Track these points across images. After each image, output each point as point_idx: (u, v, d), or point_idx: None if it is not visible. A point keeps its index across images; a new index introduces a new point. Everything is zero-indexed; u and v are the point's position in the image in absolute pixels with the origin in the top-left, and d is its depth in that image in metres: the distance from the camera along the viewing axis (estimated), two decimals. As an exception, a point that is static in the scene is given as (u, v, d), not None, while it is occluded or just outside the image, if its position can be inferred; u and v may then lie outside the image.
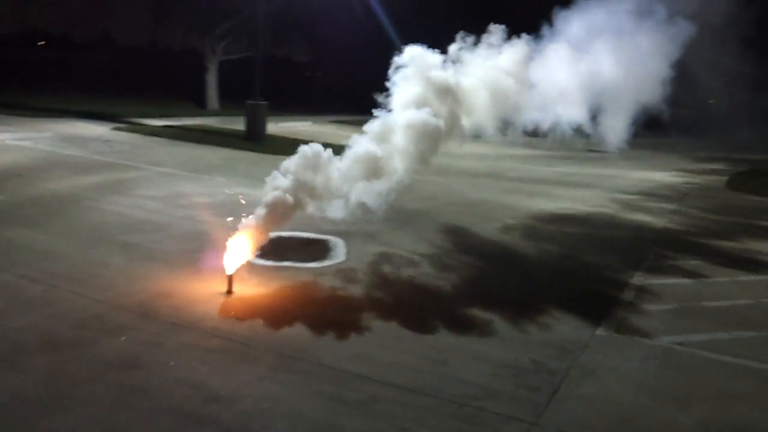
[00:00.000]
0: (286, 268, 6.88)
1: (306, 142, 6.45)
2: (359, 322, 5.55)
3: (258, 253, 6.39)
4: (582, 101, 7.94)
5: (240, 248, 6.02)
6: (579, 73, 7.79)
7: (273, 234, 6.49)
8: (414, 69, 6.83)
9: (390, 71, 6.84)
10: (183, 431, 3.77)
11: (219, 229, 7.21)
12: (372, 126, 6.60)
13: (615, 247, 9.07)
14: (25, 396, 4.00)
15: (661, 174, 17.77)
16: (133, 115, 22.18)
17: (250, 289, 6.12)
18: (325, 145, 6.46)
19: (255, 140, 17.91)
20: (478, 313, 6.01)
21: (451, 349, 5.18)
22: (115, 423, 3.79)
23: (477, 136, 7.72)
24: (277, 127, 20.78)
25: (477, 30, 7.30)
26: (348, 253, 7.63)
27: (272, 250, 6.94)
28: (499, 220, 10.27)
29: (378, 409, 4.18)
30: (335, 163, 6.40)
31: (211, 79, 29.70)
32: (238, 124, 19.70)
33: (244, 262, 6.13)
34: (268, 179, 6.31)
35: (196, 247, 7.28)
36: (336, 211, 6.62)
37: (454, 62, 7.09)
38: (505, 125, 7.74)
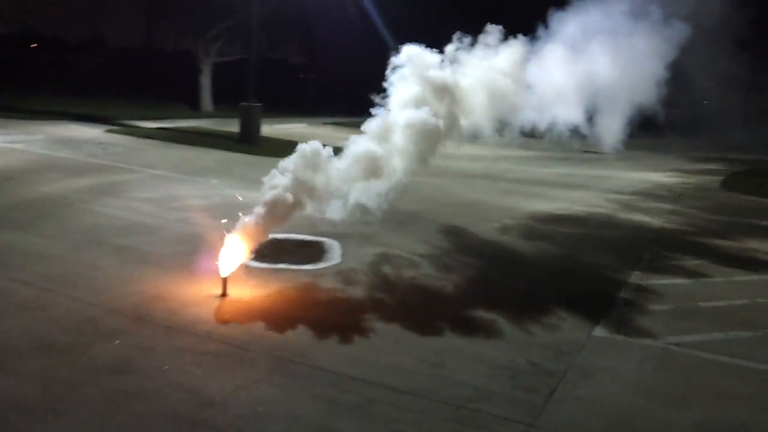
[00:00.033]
0: (281, 270, 6.83)
1: (301, 144, 6.40)
2: (355, 325, 5.51)
3: (253, 255, 6.33)
4: (578, 102, 7.96)
5: (234, 250, 5.97)
6: (575, 74, 7.81)
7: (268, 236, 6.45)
8: (412, 68, 6.80)
9: (386, 71, 6.81)
10: (177, 436, 3.73)
11: (213, 232, 7.16)
12: (371, 125, 6.57)
13: (612, 248, 9.05)
14: (17, 400, 3.95)
15: (656, 174, 17.79)
16: (126, 117, 22.13)
17: (245, 292, 6.07)
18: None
19: (249, 142, 17.87)
20: (476, 315, 5.99)
21: (448, 350, 5.15)
22: (108, 428, 3.75)
23: (474, 137, 7.71)
24: (271, 129, 20.73)
25: (473, 31, 7.28)
26: (344, 254, 7.59)
27: (267, 252, 6.90)
28: (497, 221, 10.24)
29: (374, 411, 4.15)
30: (334, 162, 6.36)
31: (205, 81, 29.63)
32: (232, 126, 19.66)
33: (239, 264, 6.08)
34: (265, 179, 6.26)
35: (191, 250, 7.24)
36: (335, 211, 6.58)
37: (451, 63, 7.07)
38: (502, 126, 7.73)
